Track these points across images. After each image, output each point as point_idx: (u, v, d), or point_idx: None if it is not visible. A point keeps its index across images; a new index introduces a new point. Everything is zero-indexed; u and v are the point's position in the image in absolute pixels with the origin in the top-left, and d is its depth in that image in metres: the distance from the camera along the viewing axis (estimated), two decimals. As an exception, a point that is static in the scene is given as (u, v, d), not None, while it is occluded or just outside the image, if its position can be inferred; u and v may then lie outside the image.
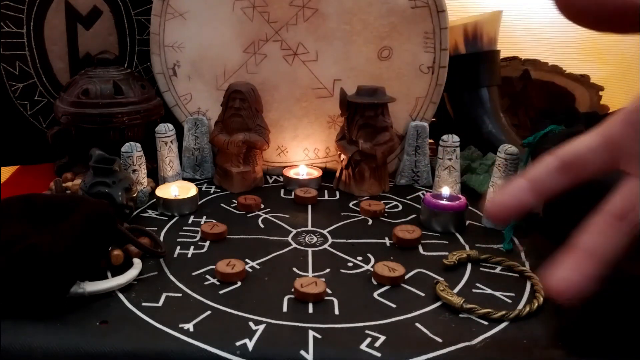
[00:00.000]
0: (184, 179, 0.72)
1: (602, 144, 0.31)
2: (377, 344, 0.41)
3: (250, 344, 0.41)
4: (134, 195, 0.61)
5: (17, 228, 0.46)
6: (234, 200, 0.67)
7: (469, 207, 0.63)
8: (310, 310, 0.46)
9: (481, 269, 0.53)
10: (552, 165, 0.32)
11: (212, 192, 0.71)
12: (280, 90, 0.75)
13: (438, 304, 0.47)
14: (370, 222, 0.63)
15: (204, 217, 0.63)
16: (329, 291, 0.48)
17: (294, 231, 0.60)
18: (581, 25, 0.28)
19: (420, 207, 0.65)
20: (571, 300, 0.28)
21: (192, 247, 0.56)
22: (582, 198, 0.48)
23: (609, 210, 0.29)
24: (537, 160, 0.34)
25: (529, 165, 0.58)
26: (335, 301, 0.47)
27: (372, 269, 0.52)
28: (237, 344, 0.41)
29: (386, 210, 0.65)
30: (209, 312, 0.45)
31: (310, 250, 0.56)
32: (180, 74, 0.75)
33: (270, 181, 0.75)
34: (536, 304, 0.46)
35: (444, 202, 0.61)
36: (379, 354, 0.40)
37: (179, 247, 0.56)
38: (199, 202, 0.66)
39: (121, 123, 0.69)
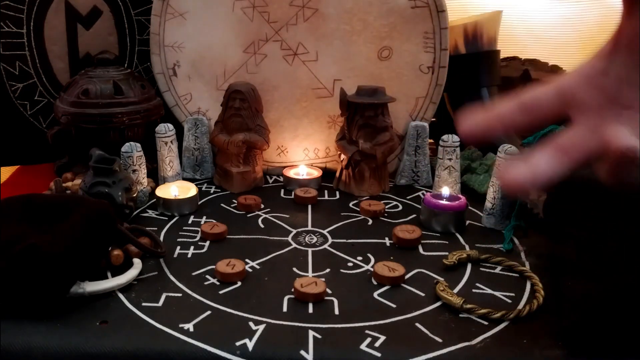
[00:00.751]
0: (184, 179, 0.72)
1: (555, 92, 0.36)
2: (377, 344, 0.41)
3: (250, 344, 0.41)
4: (134, 195, 0.61)
5: (17, 228, 0.46)
6: (234, 200, 0.67)
7: (469, 207, 0.63)
8: (310, 310, 0.46)
9: (481, 269, 0.53)
10: (512, 105, 0.36)
11: (212, 192, 0.71)
12: (280, 90, 0.75)
13: (438, 304, 0.47)
14: (370, 222, 0.63)
15: (204, 217, 0.63)
16: (329, 291, 0.48)
17: (294, 231, 0.60)
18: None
19: (420, 207, 0.65)
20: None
21: (192, 247, 0.56)
22: (581, 198, 0.48)
23: (558, 142, 0.34)
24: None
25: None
26: (335, 301, 0.47)
27: (372, 269, 0.52)
28: (237, 344, 0.41)
29: (386, 210, 0.65)
30: (209, 312, 0.45)
31: (310, 250, 0.56)
32: (180, 74, 0.75)
33: (270, 181, 0.75)
34: (536, 304, 0.46)
35: (444, 202, 0.61)
36: (379, 354, 0.40)
37: (179, 247, 0.56)
38: (199, 202, 0.66)
39: (121, 123, 0.69)
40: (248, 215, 0.64)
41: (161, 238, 0.58)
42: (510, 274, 0.52)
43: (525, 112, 0.36)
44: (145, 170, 0.66)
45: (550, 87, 0.36)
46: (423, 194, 0.71)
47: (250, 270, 0.52)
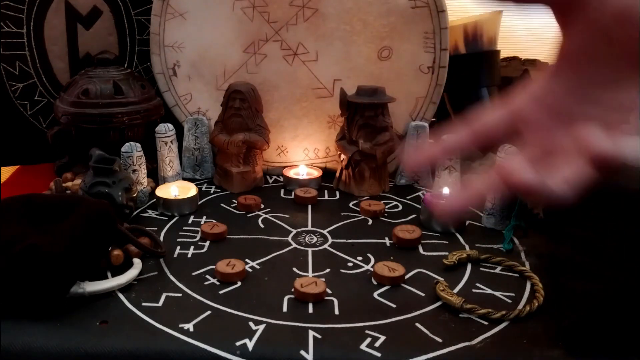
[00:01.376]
0: (184, 179, 0.72)
1: (505, 115, 0.37)
2: (377, 344, 0.41)
3: (250, 344, 0.41)
4: (134, 195, 0.61)
5: (17, 228, 0.46)
6: (234, 200, 0.67)
7: (469, 207, 0.63)
8: (310, 310, 0.46)
9: (481, 269, 0.53)
10: (463, 134, 0.37)
11: (212, 192, 0.71)
12: (280, 90, 0.75)
13: (438, 304, 0.47)
14: (370, 222, 0.63)
15: (204, 217, 0.63)
16: (329, 291, 0.48)
17: (294, 231, 0.60)
18: None
19: (420, 207, 0.65)
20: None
21: (192, 247, 0.56)
22: (581, 198, 0.48)
23: (502, 167, 0.34)
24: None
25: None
26: (335, 301, 0.47)
27: (372, 269, 0.52)
28: (237, 344, 0.41)
29: (386, 210, 0.65)
30: (209, 312, 0.45)
31: (310, 250, 0.56)
32: (180, 74, 0.75)
33: (270, 181, 0.75)
34: (536, 304, 0.46)
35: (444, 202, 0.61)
36: (379, 354, 0.40)
37: (179, 247, 0.56)
38: (199, 202, 0.66)
39: (121, 123, 0.69)
40: (248, 215, 0.64)
41: (161, 238, 0.58)
42: (510, 274, 0.52)
43: (476, 139, 0.37)
44: (145, 170, 0.66)
45: (499, 112, 0.37)
46: (423, 194, 0.71)
47: (250, 270, 0.52)
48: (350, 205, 0.67)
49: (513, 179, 0.31)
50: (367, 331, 0.43)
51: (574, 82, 0.34)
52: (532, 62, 0.87)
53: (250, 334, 0.42)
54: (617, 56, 0.31)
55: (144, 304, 0.46)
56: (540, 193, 0.30)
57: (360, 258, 0.54)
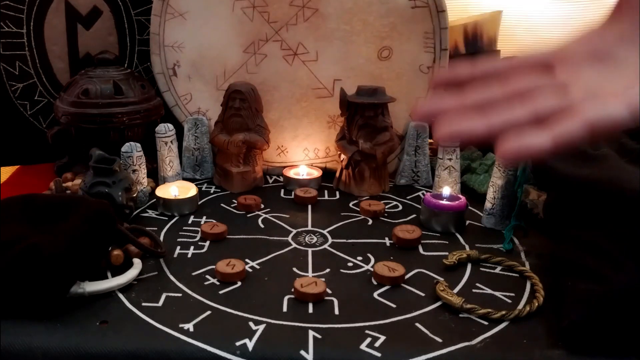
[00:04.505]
0: (184, 179, 0.72)
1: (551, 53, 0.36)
2: (377, 344, 0.41)
3: (250, 344, 0.41)
4: (134, 195, 0.61)
5: (17, 228, 0.46)
6: (234, 200, 0.67)
7: (469, 207, 0.63)
8: (310, 310, 0.46)
9: (481, 269, 0.53)
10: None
11: (212, 192, 0.71)
12: (280, 90, 0.75)
13: (438, 304, 0.47)
14: (370, 222, 0.63)
15: (204, 217, 0.63)
16: (329, 291, 0.48)
17: (294, 231, 0.60)
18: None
19: (420, 207, 0.65)
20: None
21: (192, 247, 0.56)
22: (581, 198, 0.48)
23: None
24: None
25: (528, 165, 0.58)
26: (335, 301, 0.47)
27: (372, 269, 0.52)
28: (237, 344, 0.41)
29: (386, 210, 0.65)
30: (209, 312, 0.45)
31: (310, 250, 0.56)
32: (180, 74, 0.75)
33: (270, 181, 0.75)
34: (536, 304, 0.46)
35: (444, 202, 0.61)
36: (379, 354, 0.40)
37: (179, 247, 0.56)
38: (199, 202, 0.66)
39: (121, 123, 0.69)
40: (248, 215, 0.64)
41: (161, 238, 0.58)
42: (510, 274, 0.52)
43: (484, 75, 0.36)
44: (145, 170, 0.66)
45: (532, 57, 0.36)
46: (423, 194, 0.71)
47: (250, 270, 0.52)
48: (350, 205, 0.67)
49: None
50: (367, 331, 0.43)
51: (628, 27, 0.34)
52: (532, 62, 0.87)
53: (250, 334, 0.42)
54: None
55: (144, 304, 0.46)
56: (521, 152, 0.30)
57: (360, 258, 0.54)
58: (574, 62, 0.34)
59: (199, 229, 0.59)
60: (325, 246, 0.57)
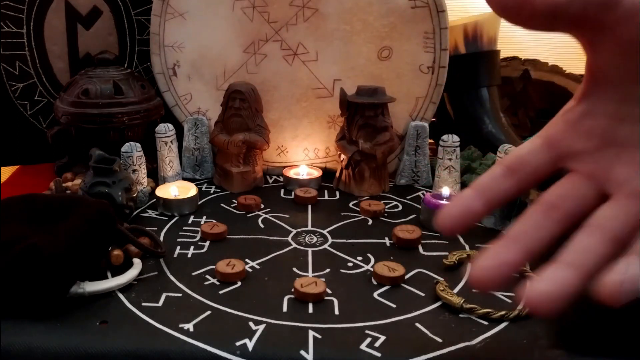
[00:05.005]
0: (184, 179, 0.72)
1: (543, 145, 0.33)
2: (377, 344, 0.41)
3: (250, 344, 0.41)
4: (134, 195, 0.61)
5: (17, 228, 0.46)
6: (234, 200, 0.67)
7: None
8: (310, 310, 0.46)
9: (481, 269, 0.53)
10: (497, 172, 0.33)
11: (212, 192, 0.71)
12: (280, 90, 0.75)
13: (438, 304, 0.47)
14: (370, 222, 0.63)
15: (204, 217, 0.63)
16: (329, 291, 0.48)
17: (294, 231, 0.60)
18: (516, 24, 0.32)
19: (420, 207, 0.65)
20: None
21: (192, 247, 0.56)
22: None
23: (546, 199, 0.30)
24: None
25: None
26: (335, 301, 0.47)
27: (372, 269, 0.52)
28: (237, 344, 0.41)
29: (386, 210, 0.65)
30: (209, 312, 0.45)
31: (310, 250, 0.56)
32: (180, 74, 0.75)
33: (270, 181, 0.75)
34: (536, 304, 0.46)
35: (444, 202, 0.61)
36: (379, 354, 0.40)
37: (179, 247, 0.56)
38: (199, 202, 0.66)
39: (121, 123, 0.69)
40: (248, 215, 0.64)
41: (161, 238, 0.58)
42: (510, 274, 0.52)
43: (511, 176, 0.32)
44: (145, 170, 0.66)
45: (535, 142, 0.33)
46: (423, 194, 0.71)
47: (250, 270, 0.52)
48: (350, 205, 0.67)
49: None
50: (367, 331, 0.43)
51: (617, 101, 0.30)
52: (532, 62, 0.87)
53: (250, 334, 0.42)
54: None
55: (144, 304, 0.46)
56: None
57: (360, 258, 0.54)
58: (586, 154, 0.31)
59: (199, 229, 0.59)
60: (325, 246, 0.57)
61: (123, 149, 0.63)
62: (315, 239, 0.58)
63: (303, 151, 0.77)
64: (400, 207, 0.67)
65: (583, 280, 0.27)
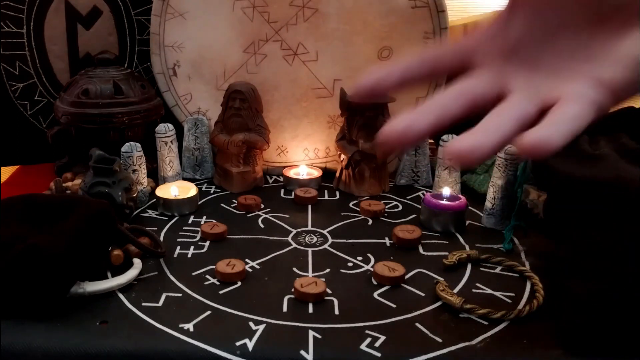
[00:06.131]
0: (184, 179, 0.72)
1: (456, 49, 0.36)
2: (377, 344, 0.41)
3: (250, 344, 0.41)
4: (134, 195, 0.61)
5: (17, 228, 0.46)
6: (234, 200, 0.67)
7: (469, 207, 0.63)
8: (310, 310, 0.46)
9: (481, 269, 0.53)
10: (413, 59, 0.36)
11: (212, 192, 0.71)
12: (280, 90, 0.75)
13: (438, 304, 0.47)
14: (370, 222, 0.63)
15: (204, 217, 0.63)
16: (329, 291, 0.48)
17: (294, 231, 0.60)
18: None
19: (420, 207, 0.65)
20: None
21: (192, 247, 0.56)
22: (581, 198, 0.48)
23: (456, 87, 0.33)
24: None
25: (528, 165, 0.58)
26: (335, 301, 0.47)
27: (372, 269, 0.52)
28: (237, 344, 0.41)
29: (386, 210, 0.65)
30: (209, 312, 0.45)
31: (310, 250, 0.56)
32: (180, 74, 0.75)
33: (270, 181, 0.75)
34: (536, 304, 0.46)
35: (444, 202, 0.61)
36: (379, 354, 0.40)
37: (179, 247, 0.56)
38: (199, 202, 0.66)
39: (121, 123, 0.69)
40: (248, 215, 0.64)
41: (161, 238, 0.58)
42: (510, 274, 0.52)
43: (425, 66, 0.36)
44: (145, 170, 0.66)
45: (451, 45, 0.37)
46: (423, 194, 0.71)
47: (250, 270, 0.52)
48: (350, 205, 0.67)
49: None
50: (367, 331, 0.43)
51: (533, 24, 0.33)
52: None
53: (250, 334, 0.42)
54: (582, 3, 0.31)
55: (144, 304, 0.46)
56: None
57: (360, 258, 0.54)
58: (489, 61, 0.34)
59: (199, 229, 0.59)
60: (325, 246, 0.57)
61: (123, 149, 0.63)
62: (315, 239, 0.58)
63: (303, 151, 0.77)
64: (400, 207, 0.67)
65: (494, 142, 0.30)
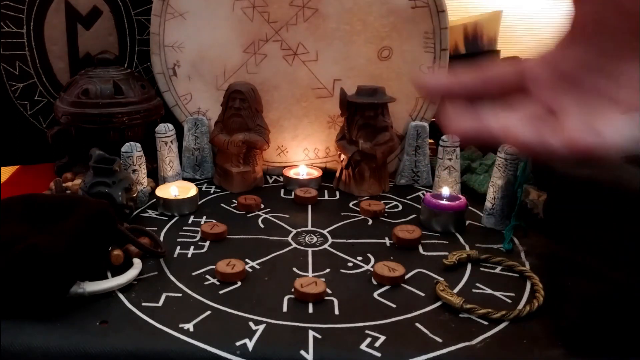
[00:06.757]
0: (184, 179, 0.72)
1: (516, 71, 0.37)
2: (377, 344, 0.41)
3: (250, 344, 0.41)
4: (134, 195, 0.61)
5: (17, 228, 0.46)
6: (234, 200, 0.67)
7: (469, 207, 0.63)
8: (310, 310, 0.46)
9: (481, 269, 0.53)
10: (476, 74, 0.38)
11: (212, 192, 0.71)
12: (280, 90, 0.75)
13: (438, 304, 0.47)
14: (370, 222, 0.63)
15: (204, 217, 0.63)
16: (329, 291, 0.48)
17: (294, 231, 0.60)
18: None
19: (420, 207, 0.65)
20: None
21: (192, 247, 0.56)
22: (581, 198, 0.48)
23: (487, 73, 0.36)
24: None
25: (528, 165, 0.58)
26: (335, 301, 0.47)
27: (372, 269, 0.52)
28: (237, 344, 0.41)
29: (386, 210, 0.65)
30: (209, 312, 0.45)
31: (310, 250, 0.56)
32: (180, 74, 0.75)
33: (270, 181, 0.75)
34: (536, 304, 0.46)
35: (444, 202, 0.61)
36: (379, 354, 0.40)
37: (179, 247, 0.56)
38: (199, 202, 0.66)
39: (121, 123, 0.69)
40: (248, 215, 0.64)
41: (161, 238, 0.58)
42: (510, 274, 0.52)
43: (485, 82, 0.37)
44: (145, 170, 0.66)
45: (512, 66, 0.37)
46: (423, 194, 0.71)
47: (250, 270, 0.52)
48: (350, 205, 0.67)
49: (511, 136, 0.31)
50: (367, 331, 0.43)
51: (587, 53, 0.34)
52: (532, 62, 0.87)
53: (250, 334, 0.42)
54: (628, 29, 0.31)
55: (144, 304, 0.46)
56: (536, 150, 0.30)
57: (360, 258, 0.54)
58: (546, 86, 0.35)
59: (199, 229, 0.59)
60: (325, 246, 0.57)
61: (123, 149, 0.63)
62: (315, 239, 0.58)
63: (303, 151, 0.77)
64: (400, 207, 0.67)
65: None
